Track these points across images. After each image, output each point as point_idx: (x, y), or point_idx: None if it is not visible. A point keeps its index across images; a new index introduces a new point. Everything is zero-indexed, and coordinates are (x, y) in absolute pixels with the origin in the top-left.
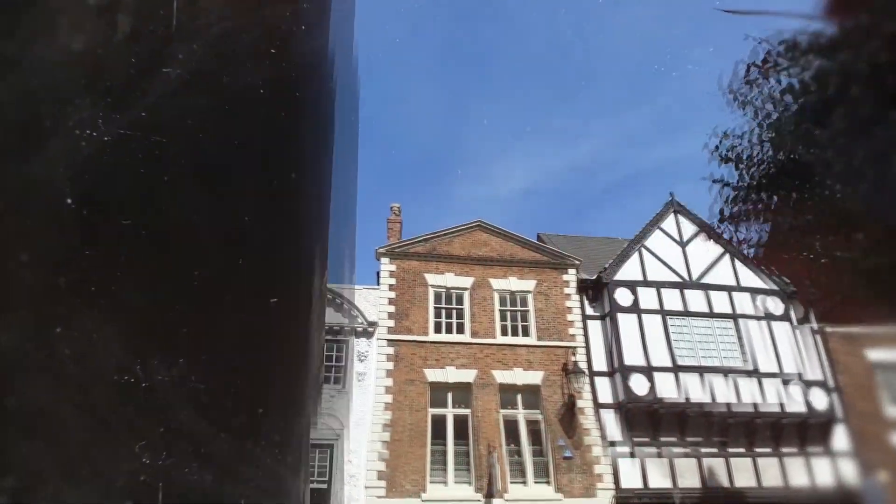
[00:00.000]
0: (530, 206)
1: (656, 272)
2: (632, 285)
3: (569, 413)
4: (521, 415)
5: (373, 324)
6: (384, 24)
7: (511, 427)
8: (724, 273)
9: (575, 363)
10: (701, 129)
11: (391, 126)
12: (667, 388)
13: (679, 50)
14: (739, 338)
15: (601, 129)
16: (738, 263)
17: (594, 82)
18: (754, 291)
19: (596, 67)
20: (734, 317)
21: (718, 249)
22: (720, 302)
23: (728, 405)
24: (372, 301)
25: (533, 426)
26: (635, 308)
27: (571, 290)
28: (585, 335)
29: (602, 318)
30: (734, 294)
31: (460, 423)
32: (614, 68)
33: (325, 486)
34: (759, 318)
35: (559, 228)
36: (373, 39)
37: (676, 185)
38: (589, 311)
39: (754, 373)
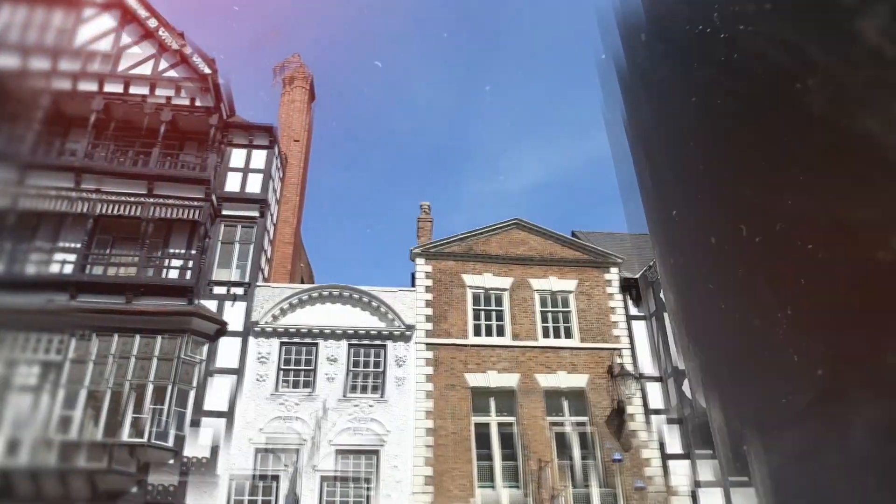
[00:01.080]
0: (542, 200)
1: None
2: None
3: (618, 419)
4: (568, 422)
5: (410, 327)
6: (387, 15)
7: (559, 437)
8: None
9: (621, 366)
10: None
11: (397, 122)
12: None
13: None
14: None
15: (616, 119)
16: None
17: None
18: None
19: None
20: None
21: None
22: None
23: None
24: (408, 303)
25: (580, 429)
26: None
27: (614, 289)
28: (630, 336)
29: (647, 318)
30: None
31: (505, 431)
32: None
33: (371, 491)
34: None
35: (571, 225)
36: (377, 31)
37: None
38: (633, 311)
39: None
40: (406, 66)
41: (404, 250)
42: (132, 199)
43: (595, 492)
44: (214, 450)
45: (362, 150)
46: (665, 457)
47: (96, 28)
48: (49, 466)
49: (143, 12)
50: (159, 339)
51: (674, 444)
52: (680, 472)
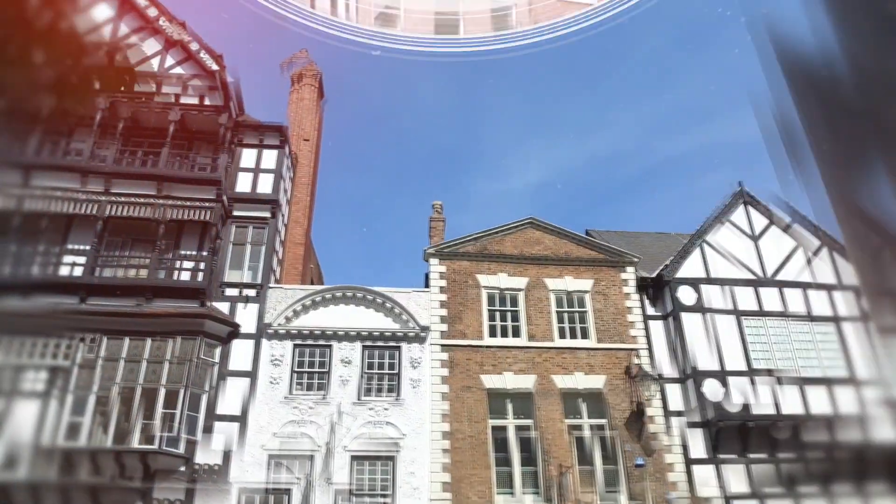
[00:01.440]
0: (544, 200)
1: (723, 269)
2: (695, 283)
3: (638, 422)
4: (586, 425)
5: (425, 328)
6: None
7: (579, 441)
8: (799, 268)
9: (639, 366)
10: (735, 115)
11: (401, 121)
12: (744, 395)
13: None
14: (816, 340)
15: (622, 119)
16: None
17: (617, 64)
18: (828, 288)
19: (619, 47)
20: (811, 318)
21: (791, 244)
22: (797, 301)
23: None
24: (423, 304)
25: (599, 433)
26: (699, 307)
27: (630, 288)
28: (647, 336)
29: (664, 317)
30: (811, 292)
31: (523, 435)
32: (643, 46)
33: (388, 499)
34: (849, 321)
35: (576, 223)
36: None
37: (706, 175)
38: (650, 310)
39: (846, 381)
40: (407, 61)
41: (409, 250)
42: (142, 200)
43: (623, 501)
44: (227, 455)
45: (363, 149)
46: (688, 462)
47: (92, 18)
48: (50, 480)
49: (141, 0)
50: (170, 341)
51: (696, 449)
52: (703, 477)
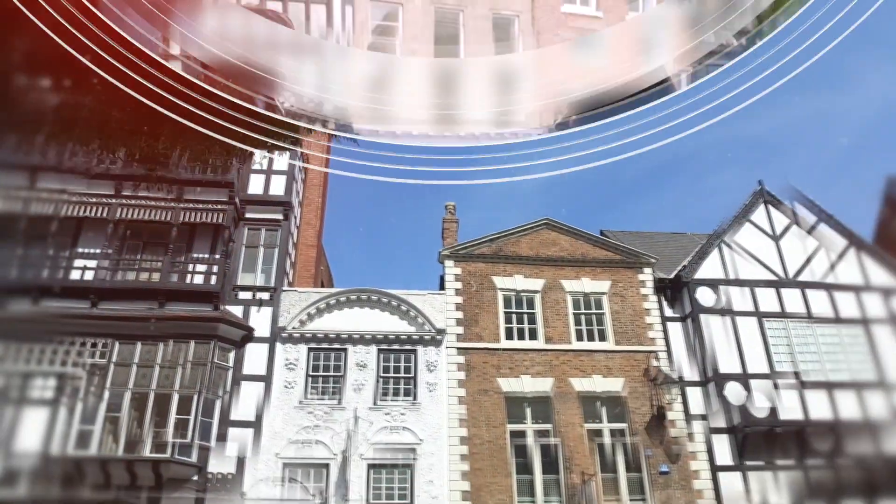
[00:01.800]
0: (552, 199)
1: (743, 269)
2: (714, 284)
3: (659, 426)
4: (606, 429)
5: (441, 331)
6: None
7: (601, 446)
8: (838, 269)
9: (658, 368)
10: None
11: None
12: (769, 399)
13: None
14: (842, 343)
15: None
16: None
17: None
18: (857, 290)
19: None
20: (838, 320)
21: (813, 244)
22: (821, 302)
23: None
24: (438, 307)
25: (619, 438)
26: (718, 308)
27: (648, 290)
28: (666, 339)
29: (682, 319)
30: (836, 293)
31: (543, 442)
32: None
33: None
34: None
35: (586, 222)
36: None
37: (715, 172)
38: (668, 312)
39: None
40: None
41: (414, 251)
42: (152, 202)
43: None
44: (240, 463)
45: (364, 148)
46: (714, 469)
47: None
48: (54, 494)
49: None
50: (184, 346)
51: (722, 455)
52: (729, 484)
